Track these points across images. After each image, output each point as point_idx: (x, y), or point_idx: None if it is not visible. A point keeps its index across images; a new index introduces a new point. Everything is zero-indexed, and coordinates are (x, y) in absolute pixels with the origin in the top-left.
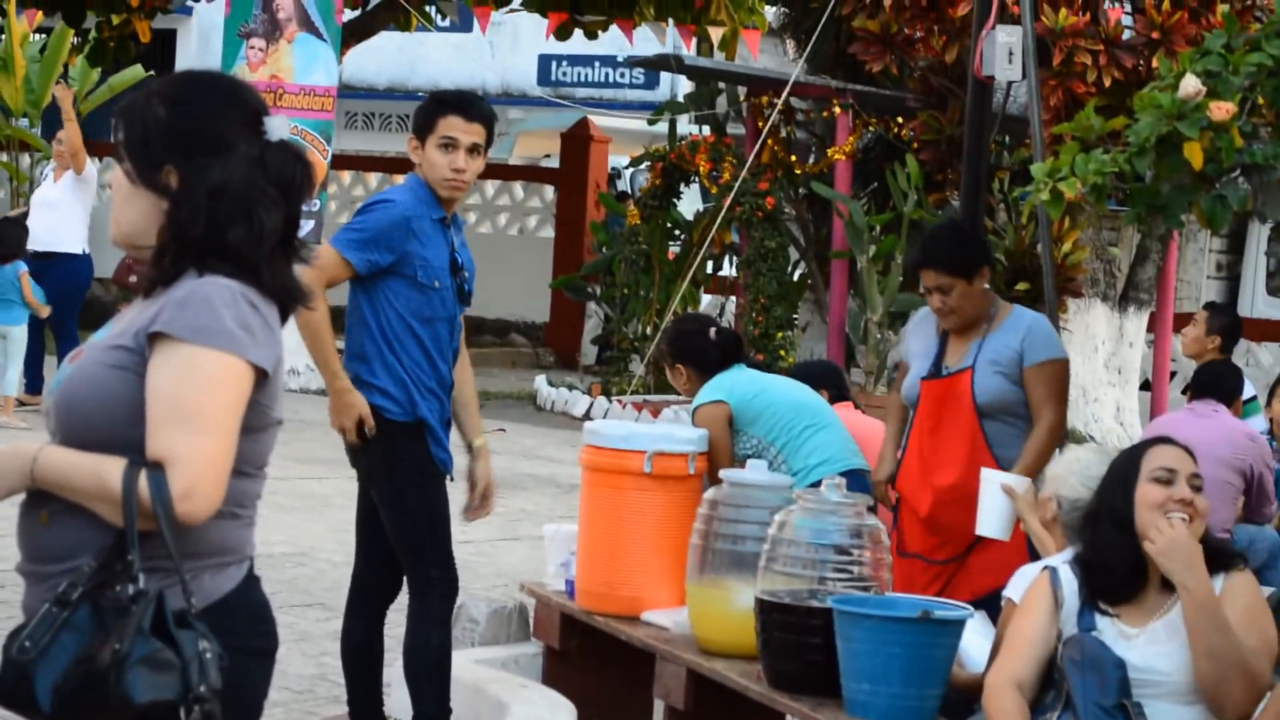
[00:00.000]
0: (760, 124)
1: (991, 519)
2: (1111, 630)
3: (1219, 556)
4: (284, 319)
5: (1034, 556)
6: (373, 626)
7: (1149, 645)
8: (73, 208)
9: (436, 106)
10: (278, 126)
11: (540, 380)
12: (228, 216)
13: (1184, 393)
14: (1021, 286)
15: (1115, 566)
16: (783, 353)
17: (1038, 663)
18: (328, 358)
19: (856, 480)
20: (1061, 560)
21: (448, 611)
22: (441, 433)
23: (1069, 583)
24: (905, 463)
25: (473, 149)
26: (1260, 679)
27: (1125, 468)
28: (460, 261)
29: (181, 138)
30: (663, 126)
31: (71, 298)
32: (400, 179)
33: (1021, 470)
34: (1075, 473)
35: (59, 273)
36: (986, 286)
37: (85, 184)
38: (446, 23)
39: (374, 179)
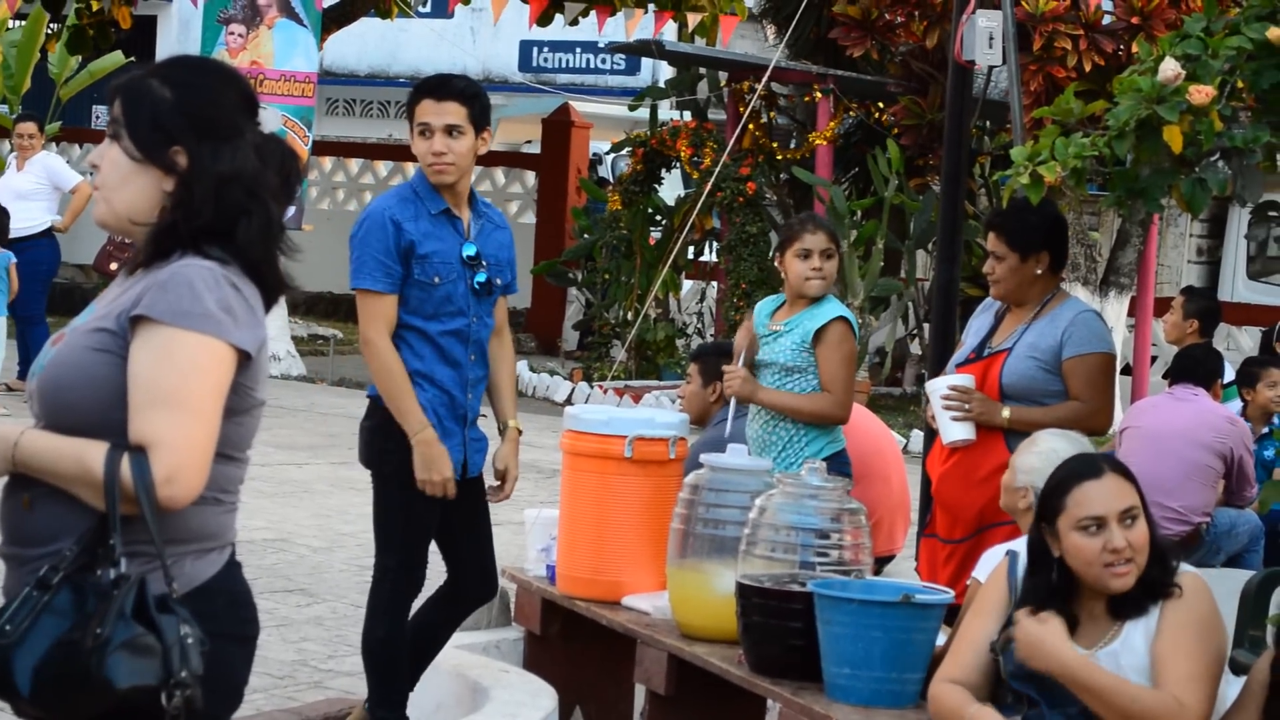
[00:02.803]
0: (741, 109)
1: (949, 426)
2: None
3: (1152, 588)
4: (269, 307)
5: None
6: (450, 623)
7: (1100, 661)
8: (38, 193)
9: (413, 95)
10: (270, 119)
11: (521, 366)
12: (237, 204)
13: (1164, 377)
14: None
15: (1055, 608)
16: None
17: (981, 669)
18: (410, 406)
19: (838, 463)
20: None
21: (399, 605)
22: (443, 430)
23: (1023, 571)
24: (935, 444)
25: (449, 130)
26: (1185, 711)
27: (1048, 510)
28: (479, 253)
29: (194, 120)
30: (644, 112)
31: (39, 281)
32: (381, 165)
33: (1020, 412)
34: (1054, 464)
35: (26, 257)
36: (1040, 272)
37: (51, 170)
38: (427, 8)
39: (355, 165)
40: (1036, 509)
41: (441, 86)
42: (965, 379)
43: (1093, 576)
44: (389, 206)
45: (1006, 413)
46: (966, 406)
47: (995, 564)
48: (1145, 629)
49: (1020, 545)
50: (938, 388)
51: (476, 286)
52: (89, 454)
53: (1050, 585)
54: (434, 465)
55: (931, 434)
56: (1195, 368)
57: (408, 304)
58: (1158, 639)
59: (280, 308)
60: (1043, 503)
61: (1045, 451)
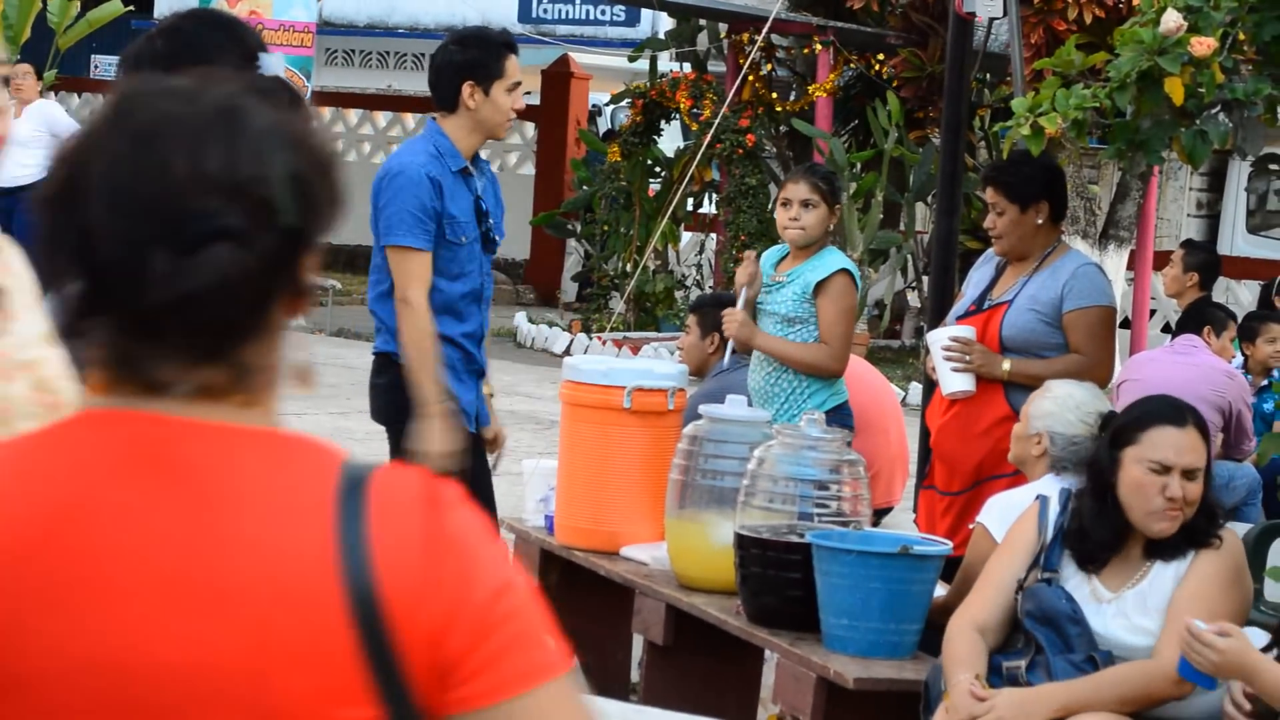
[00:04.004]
0: (741, 61)
1: (949, 377)
2: (1085, 588)
3: (1193, 536)
4: None
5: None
6: None
7: (1117, 617)
8: (36, 140)
9: (501, 47)
10: (273, 63)
11: (520, 317)
12: None
13: (1165, 331)
14: None
15: (1096, 533)
16: None
17: (1005, 608)
18: (435, 377)
19: (840, 416)
20: (1055, 488)
21: None
22: (461, 383)
23: (1054, 515)
24: (935, 396)
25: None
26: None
27: (1120, 437)
28: (485, 208)
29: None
30: (643, 63)
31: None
32: (380, 116)
33: (1020, 364)
34: (1071, 409)
35: (25, 205)
36: (1040, 222)
37: (49, 117)
38: None
39: (354, 115)
40: (1110, 431)
41: (516, 44)
42: (966, 330)
43: (1140, 513)
44: (423, 163)
45: (1007, 365)
46: (967, 358)
47: (998, 510)
48: (1175, 572)
49: (1047, 489)
50: (938, 338)
51: (492, 239)
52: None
53: (1102, 510)
54: (445, 439)
55: (931, 386)
56: (1198, 317)
57: (436, 264)
58: (1182, 584)
59: None
60: (1118, 429)
61: (1061, 396)
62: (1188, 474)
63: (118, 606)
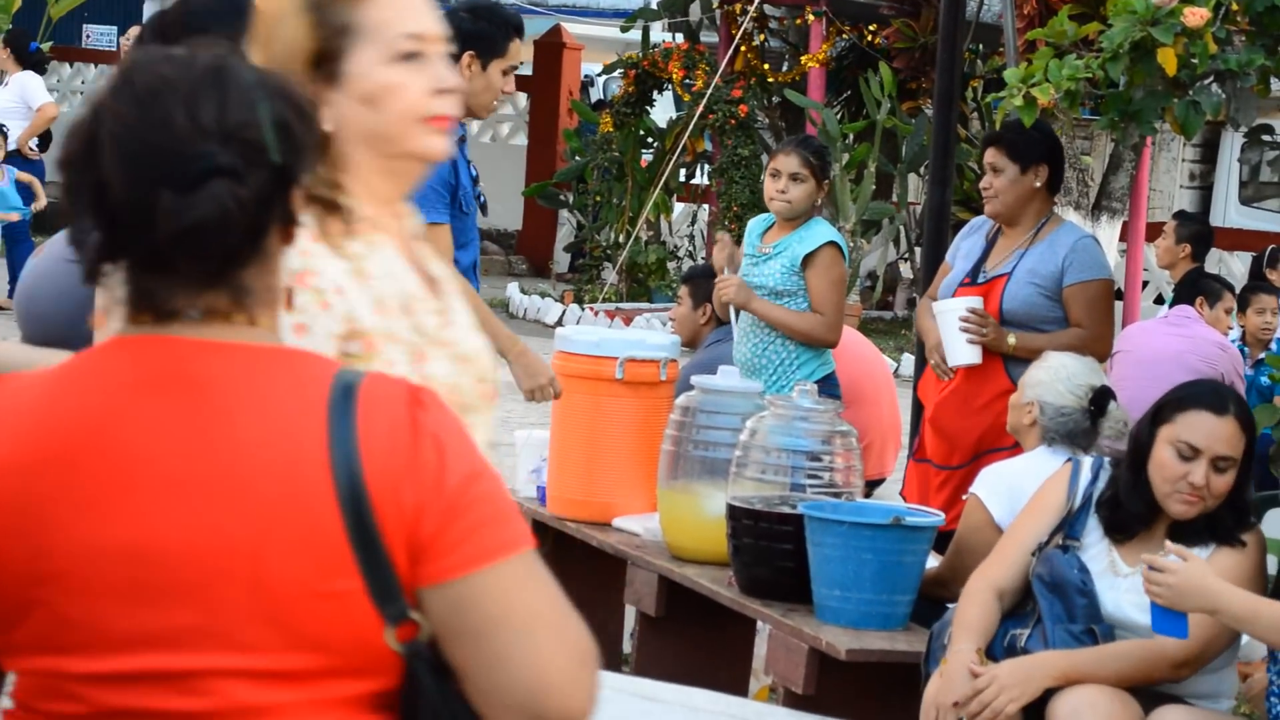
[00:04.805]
0: (734, 31)
1: (958, 348)
2: (1104, 559)
3: (1216, 528)
4: None
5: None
6: None
7: (1129, 593)
8: (14, 111)
9: (510, 28)
10: None
11: (512, 288)
12: None
13: (1157, 302)
14: None
15: (1129, 505)
16: None
17: (1025, 570)
18: (496, 325)
19: (827, 386)
20: (1047, 459)
21: None
22: None
23: (1086, 482)
24: (928, 368)
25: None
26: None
27: (1160, 414)
28: (475, 175)
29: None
30: (636, 34)
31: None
32: None
33: (1024, 338)
34: (1062, 379)
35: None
36: (1038, 185)
37: (25, 88)
38: None
39: None
40: (1153, 407)
41: (522, 25)
42: (977, 301)
43: (1161, 492)
44: None
45: (1012, 339)
46: (984, 330)
47: (991, 481)
48: None
49: (1018, 464)
50: (953, 308)
51: (483, 203)
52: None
53: (1136, 483)
54: (538, 372)
55: (923, 359)
56: (1194, 288)
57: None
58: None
59: None
60: (1160, 405)
61: (1054, 366)
62: (1218, 463)
63: (137, 502)
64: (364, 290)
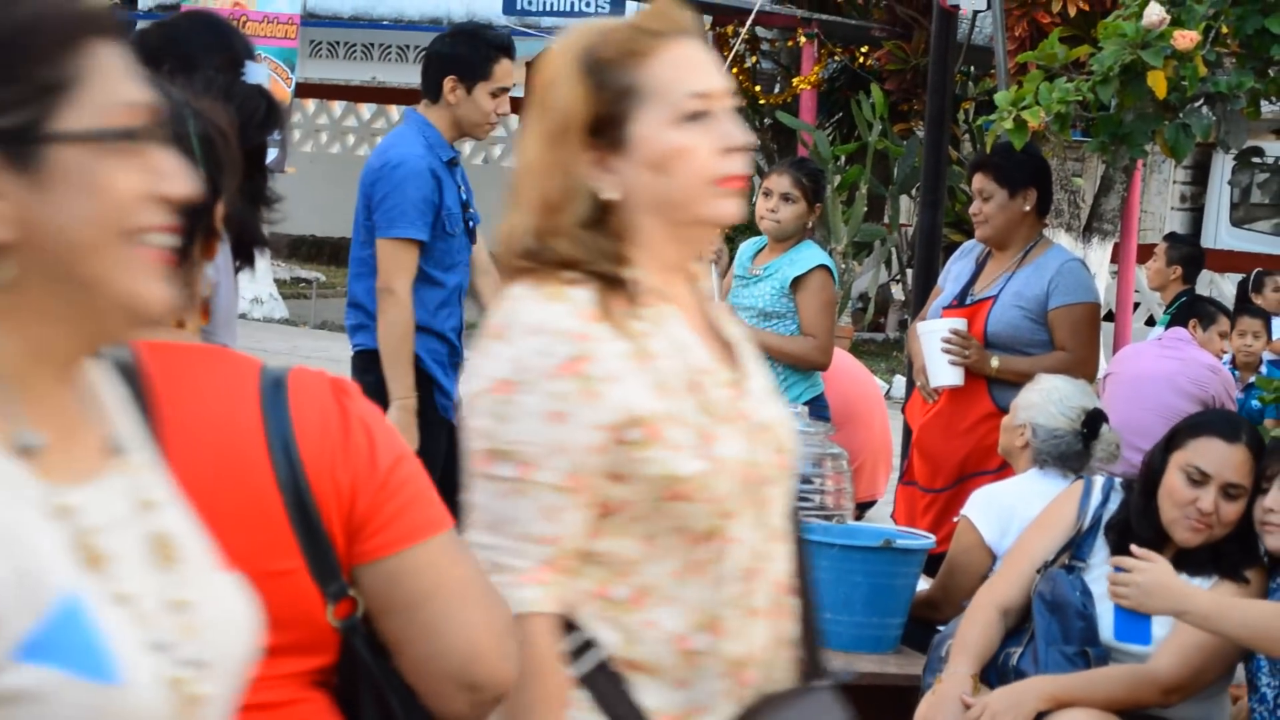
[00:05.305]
0: (725, 53)
1: (941, 369)
2: (1107, 582)
3: (1220, 560)
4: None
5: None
6: None
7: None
8: None
9: (492, 50)
10: (258, 72)
11: None
12: None
13: (1148, 324)
14: None
15: (1138, 529)
16: None
17: (1031, 587)
18: (408, 370)
19: (816, 408)
20: (1039, 482)
21: None
22: (448, 377)
23: (1095, 504)
24: (915, 392)
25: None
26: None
27: (1171, 440)
28: (466, 199)
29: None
30: None
31: None
32: (364, 108)
33: (1008, 361)
34: (1054, 401)
35: None
36: (1027, 209)
37: None
38: None
39: (338, 107)
40: (1168, 432)
41: (513, 47)
42: (961, 323)
43: (1169, 517)
44: (420, 154)
45: (995, 362)
46: (966, 353)
47: (982, 503)
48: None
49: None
50: (936, 329)
51: (473, 228)
52: None
53: (1146, 508)
54: (409, 433)
55: (913, 381)
56: (1189, 310)
57: (432, 255)
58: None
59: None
60: (1173, 433)
61: (1047, 389)
62: (1228, 490)
63: None
64: (645, 373)
